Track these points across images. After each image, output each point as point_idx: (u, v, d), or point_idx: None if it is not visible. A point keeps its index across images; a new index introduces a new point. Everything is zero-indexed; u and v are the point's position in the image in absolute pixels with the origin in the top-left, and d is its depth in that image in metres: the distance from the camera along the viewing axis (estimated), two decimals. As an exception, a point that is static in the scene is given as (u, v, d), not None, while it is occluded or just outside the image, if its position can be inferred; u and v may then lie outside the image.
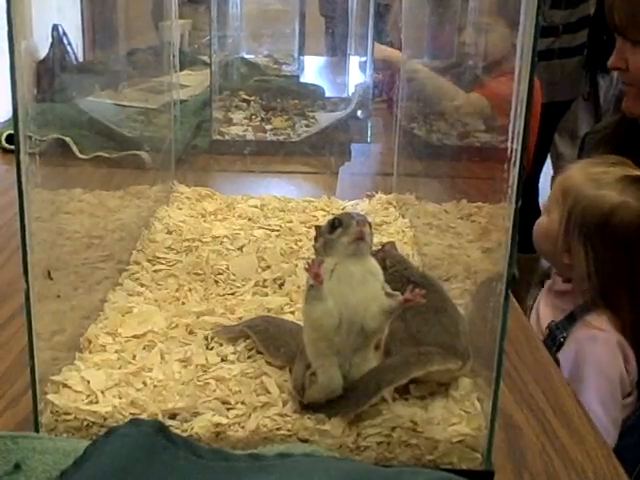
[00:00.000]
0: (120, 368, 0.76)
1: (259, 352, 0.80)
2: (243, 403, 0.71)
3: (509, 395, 0.82)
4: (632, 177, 1.33)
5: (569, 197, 1.37)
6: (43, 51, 1.88)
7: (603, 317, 1.31)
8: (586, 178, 1.36)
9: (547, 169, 2.88)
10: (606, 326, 1.30)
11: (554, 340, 1.33)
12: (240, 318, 0.88)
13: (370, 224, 0.73)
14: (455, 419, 0.70)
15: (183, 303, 0.92)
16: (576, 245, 1.36)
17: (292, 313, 0.89)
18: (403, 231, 1.18)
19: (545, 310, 1.44)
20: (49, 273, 0.73)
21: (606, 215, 1.31)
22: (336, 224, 0.72)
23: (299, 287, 0.95)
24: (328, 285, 0.70)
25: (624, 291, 1.32)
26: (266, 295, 0.95)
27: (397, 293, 0.71)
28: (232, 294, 0.96)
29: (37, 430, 0.69)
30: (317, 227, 0.77)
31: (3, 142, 1.67)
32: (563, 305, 1.39)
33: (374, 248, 0.79)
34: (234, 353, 0.80)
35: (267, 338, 0.80)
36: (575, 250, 1.37)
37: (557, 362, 1.26)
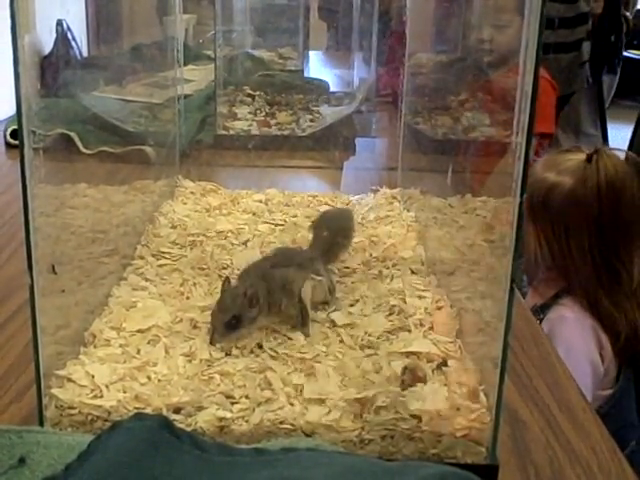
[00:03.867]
0: (124, 362, 0.76)
1: (260, 347, 0.80)
2: (247, 397, 0.71)
3: (514, 389, 0.82)
4: (576, 159, 1.35)
5: (528, 185, 1.40)
6: (47, 46, 1.89)
7: (575, 300, 1.32)
8: (542, 163, 1.40)
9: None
10: (577, 309, 1.31)
11: None
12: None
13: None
14: (459, 413, 0.70)
15: (187, 298, 0.92)
16: (527, 229, 1.39)
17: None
18: (408, 225, 1.18)
19: (532, 297, 1.46)
20: (53, 268, 0.73)
21: (544, 195, 1.34)
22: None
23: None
24: None
25: (573, 271, 1.34)
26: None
27: None
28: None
29: (42, 424, 0.69)
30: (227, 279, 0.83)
31: (8, 137, 1.67)
32: (546, 291, 1.41)
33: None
34: (238, 347, 0.80)
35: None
36: (527, 234, 1.40)
37: None
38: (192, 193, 1.30)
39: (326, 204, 1.26)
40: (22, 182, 0.64)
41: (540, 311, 1.36)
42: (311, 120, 1.85)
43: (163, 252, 1.04)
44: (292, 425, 0.69)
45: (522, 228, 0.65)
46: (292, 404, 0.71)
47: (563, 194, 1.32)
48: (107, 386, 0.72)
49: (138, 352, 0.79)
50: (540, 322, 1.34)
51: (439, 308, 0.91)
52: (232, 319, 0.80)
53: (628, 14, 3.28)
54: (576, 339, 1.29)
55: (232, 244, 1.09)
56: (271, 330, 0.83)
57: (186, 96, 1.64)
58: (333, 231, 1.00)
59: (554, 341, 1.29)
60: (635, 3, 4.82)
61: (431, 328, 0.85)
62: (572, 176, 1.33)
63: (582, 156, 1.36)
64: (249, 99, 1.95)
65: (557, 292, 1.37)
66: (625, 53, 3.63)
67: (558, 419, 0.78)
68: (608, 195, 1.31)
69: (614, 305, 1.31)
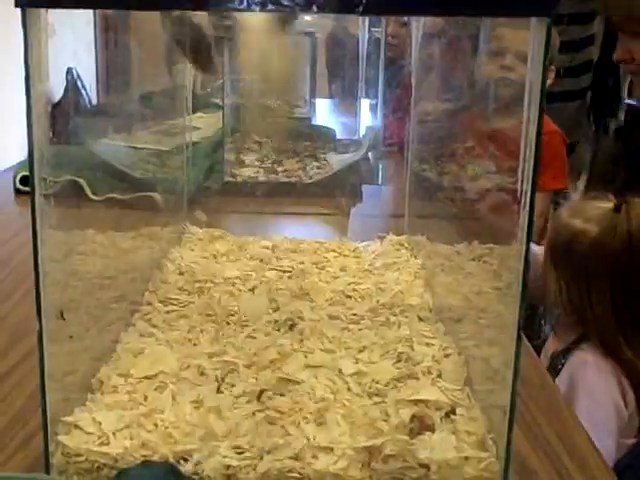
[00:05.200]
0: (131, 409, 0.76)
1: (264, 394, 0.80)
2: (254, 445, 0.71)
3: (523, 438, 0.81)
4: (603, 207, 1.36)
5: (552, 230, 1.41)
6: (58, 94, 1.91)
7: (597, 344, 1.32)
8: (568, 212, 1.40)
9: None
10: (598, 353, 1.31)
11: (554, 368, 1.34)
12: (254, 363, 0.88)
13: None
14: (468, 462, 0.70)
15: (195, 344, 0.92)
16: (549, 273, 1.39)
17: (305, 356, 0.88)
18: (415, 272, 1.18)
19: (552, 342, 1.45)
20: (62, 314, 0.73)
21: (568, 241, 1.35)
22: None
23: (311, 328, 0.95)
24: None
25: (592, 318, 1.33)
26: (278, 336, 0.95)
27: None
28: (244, 335, 0.96)
29: (48, 472, 0.69)
30: None
31: (17, 184, 1.68)
32: (566, 336, 1.41)
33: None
34: (245, 394, 0.80)
35: None
36: (548, 278, 1.40)
37: None
38: (200, 239, 1.31)
39: (333, 251, 1.26)
40: (32, 228, 0.64)
41: (562, 356, 1.35)
42: (318, 167, 1.87)
43: (171, 298, 1.05)
44: (300, 474, 0.68)
45: (528, 275, 0.65)
46: (300, 452, 0.70)
47: (588, 242, 1.33)
48: (114, 433, 0.71)
49: (145, 399, 0.78)
50: (561, 367, 1.33)
51: (447, 356, 0.90)
52: None
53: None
54: (599, 383, 1.28)
55: (239, 290, 1.09)
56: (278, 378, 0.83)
57: (194, 143, 1.66)
58: None
59: (576, 385, 1.28)
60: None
61: (440, 375, 0.85)
62: (598, 224, 1.33)
63: (610, 204, 1.37)
64: (256, 146, 1.97)
65: (578, 337, 1.37)
66: (629, 101, 3.63)
67: (569, 468, 0.77)
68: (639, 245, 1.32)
69: (637, 356, 1.30)
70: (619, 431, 1.26)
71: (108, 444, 0.70)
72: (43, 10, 0.62)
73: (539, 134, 0.63)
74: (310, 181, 1.79)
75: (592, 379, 1.29)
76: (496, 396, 0.72)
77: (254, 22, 1.83)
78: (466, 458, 0.70)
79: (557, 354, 1.38)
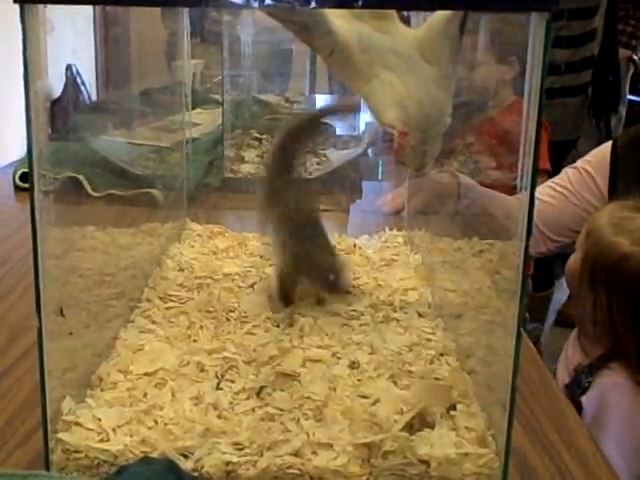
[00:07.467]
0: (131, 406, 0.76)
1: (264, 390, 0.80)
2: (254, 442, 0.71)
3: (523, 434, 0.81)
4: None
5: (590, 238, 1.34)
6: (57, 90, 1.91)
7: (625, 366, 1.28)
8: (609, 221, 1.33)
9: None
10: (627, 374, 1.28)
11: (579, 383, 1.30)
12: (254, 359, 0.88)
13: None
14: (468, 458, 0.70)
15: (194, 341, 0.92)
16: (585, 289, 1.34)
17: (304, 352, 0.88)
18: (415, 268, 1.18)
19: (574, 352, 1.41)
20: (61, 310, 0.73)
21: (615, 263, 1.29)
22: None
23: (310, 324, 0.95)
24: None
25: (633, 342, 1.29)
26: (277, 333, 0.95)
27: None
28: (243, 331, 0.96)
29: (48, 468, 0.69)
30: None
31: (17, 180, 1.68)
32: (591, 349, 1.36)
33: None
34: (245, 391, 0.80)
35: None
36: (584, 294, 1.34)
37: (580, 406, 1.23)
38: (199, 236, 1.31)
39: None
40: (32, 225, 0.64)
41: (587, 372, 1.31)
42: (318, 163, 1.86)
43: (170, 295, 1.05)
44: (299, 470, 0.68)
45: (527, 272, 0.65)
46: (299, 449, 0.70)
47: (639, 268, 1.27)
48: (114, 430, 0.71)
49: (145, 395, 0.78)
50: (587, 384, 1.29)
51: (447, 352, 0.90)
52: None
53: (636, 58, 3.28)
54: (631, 407, 1.25)
55: (239, 287, 1.09)
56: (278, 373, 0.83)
57: (194, 140, 1.66)
58: None
59: (607, 407, 1.25)
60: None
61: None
62: None
63: None
64: (256, 142, 1.96)
65: (605, 353, 1.32)
66: (631, 97, 3.61)
67: (569, 465, 0.77)
68: None
69: None
70: None
71: (108, 441, 0.70)
72: (41, 6, 0.62)
73: (539, 130, 0.63)
74: (310, 177, 1.78)
75: (625, 402, 1.25)
76: (496, 392, 0.72)
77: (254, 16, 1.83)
78: (466, 454, 0.70)
79: (582, 368, 1.33)
